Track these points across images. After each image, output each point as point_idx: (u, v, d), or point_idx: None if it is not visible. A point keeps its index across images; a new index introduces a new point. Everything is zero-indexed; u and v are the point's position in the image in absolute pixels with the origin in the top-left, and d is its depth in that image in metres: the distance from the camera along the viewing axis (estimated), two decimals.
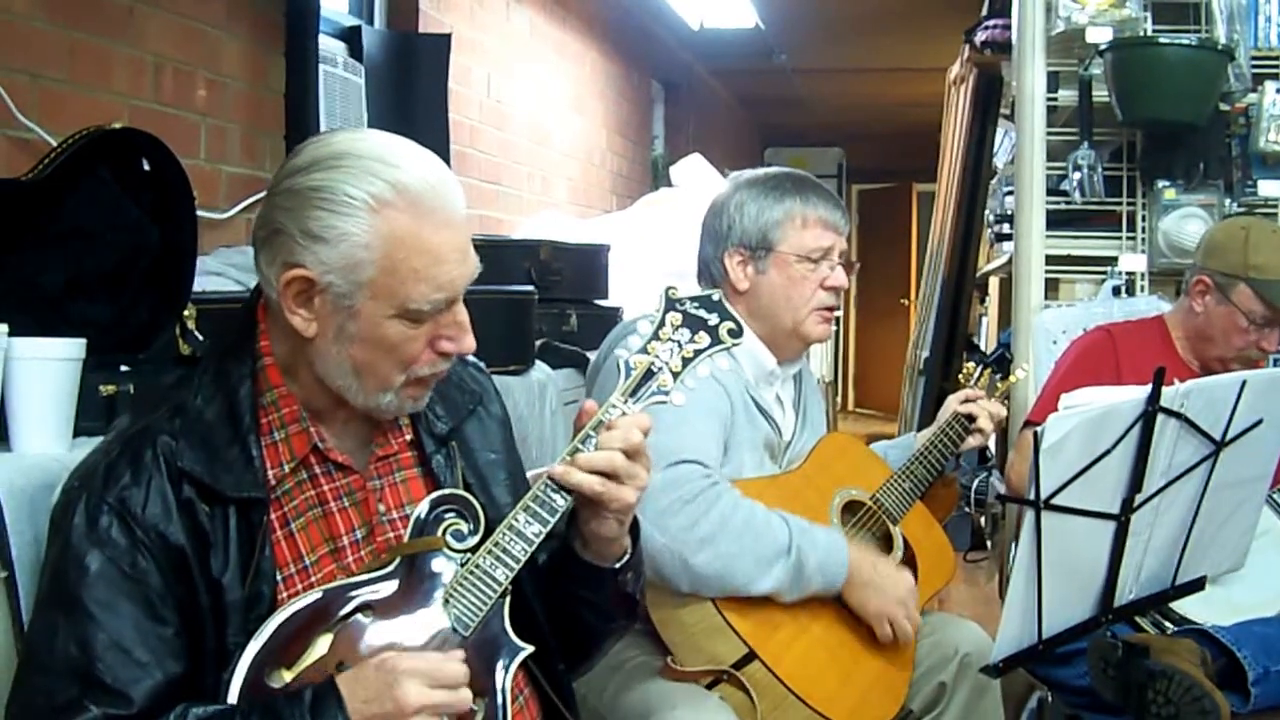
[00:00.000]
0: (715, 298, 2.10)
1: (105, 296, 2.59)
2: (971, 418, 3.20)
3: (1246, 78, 4.44)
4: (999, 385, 3.34)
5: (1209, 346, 3.63)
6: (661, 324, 2.06)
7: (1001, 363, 3.40)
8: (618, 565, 2.12)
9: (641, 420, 2.00)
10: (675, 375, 2.03)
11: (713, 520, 2.60)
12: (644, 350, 2.03)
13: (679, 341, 2.05)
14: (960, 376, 3.38)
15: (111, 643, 1.78)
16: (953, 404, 3.25)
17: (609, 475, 1.96)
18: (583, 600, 2.15)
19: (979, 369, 3.36)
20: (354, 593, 1.89)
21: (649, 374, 2.02)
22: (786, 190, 2.98)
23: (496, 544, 1.92)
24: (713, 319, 2.08)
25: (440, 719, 1.79)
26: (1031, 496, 2.30)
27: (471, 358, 2.28)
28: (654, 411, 2.04)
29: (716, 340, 2.07)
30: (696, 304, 2.08)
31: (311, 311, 1.89)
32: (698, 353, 2.05)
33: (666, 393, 2.02)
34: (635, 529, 2.15)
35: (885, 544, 3.02)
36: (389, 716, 1.75)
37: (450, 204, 1.91)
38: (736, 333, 2.09)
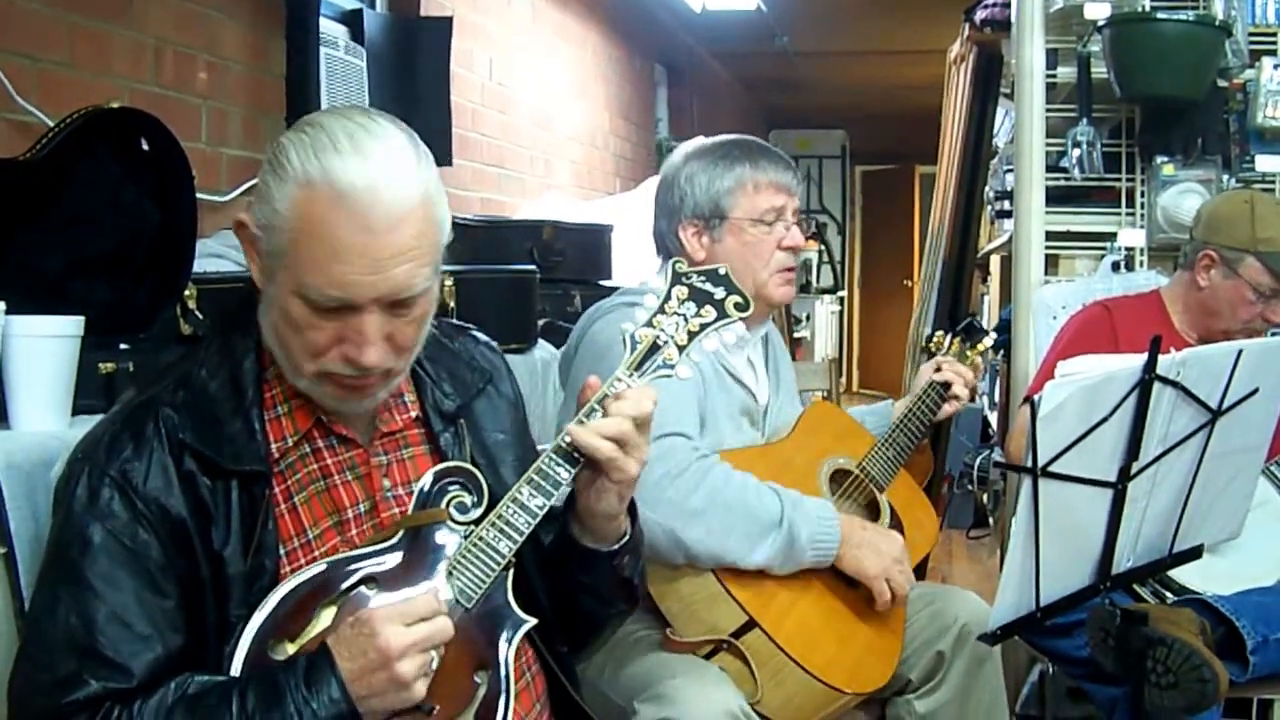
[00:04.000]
0: (722, 271, 2.10)
1: (106, 278, 2.60)
2: (947, 384, 3.22)
3: (1244, 54, 4.43)
4: (968, 353, 3.37)
5: (1214, 320, 3.63)
6: (667, 298, 2.05)
7: (970, 330, 3.43)
8: (615, 547, 2.12)
9: (650, 392, 2.00)
10: (680, 349, 2.03)
11: (703, 494, 2.60)
12: (649, 324, 2.03)
13: (684, 315, 2.04)
14: (931, 345, 3.42)
15: (112, 615, 1.78)
16: (926, 372, 3.27)
17: (618, 443, 1.96)
18: (582, 585, 2.16)
19: (948, 337, 3.41)
20: (358, 565, 1.89)
21: (654, 348, 2.02)
22: (735, 157, 2.97)
23: (500, 516, 1.93)
24: (719, 293, 2.08)
25: (428, 654, 1.80)
26: (1029, 464, 2.31)
27: (484, 336, 2.30)
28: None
29: (723, 314, 2.07)
30: (703, 278, 2.08)
31: (263, 266, 1.91)
32: (704, 326, 2.05)
33: (671, 366, 2.02)
34: (633, 510, 2.15)
35: (872, 511, 3.03)
36: (377, 666, 1.75)
37: (379, 213, 1.81)
38: (743, 306, 2.09)
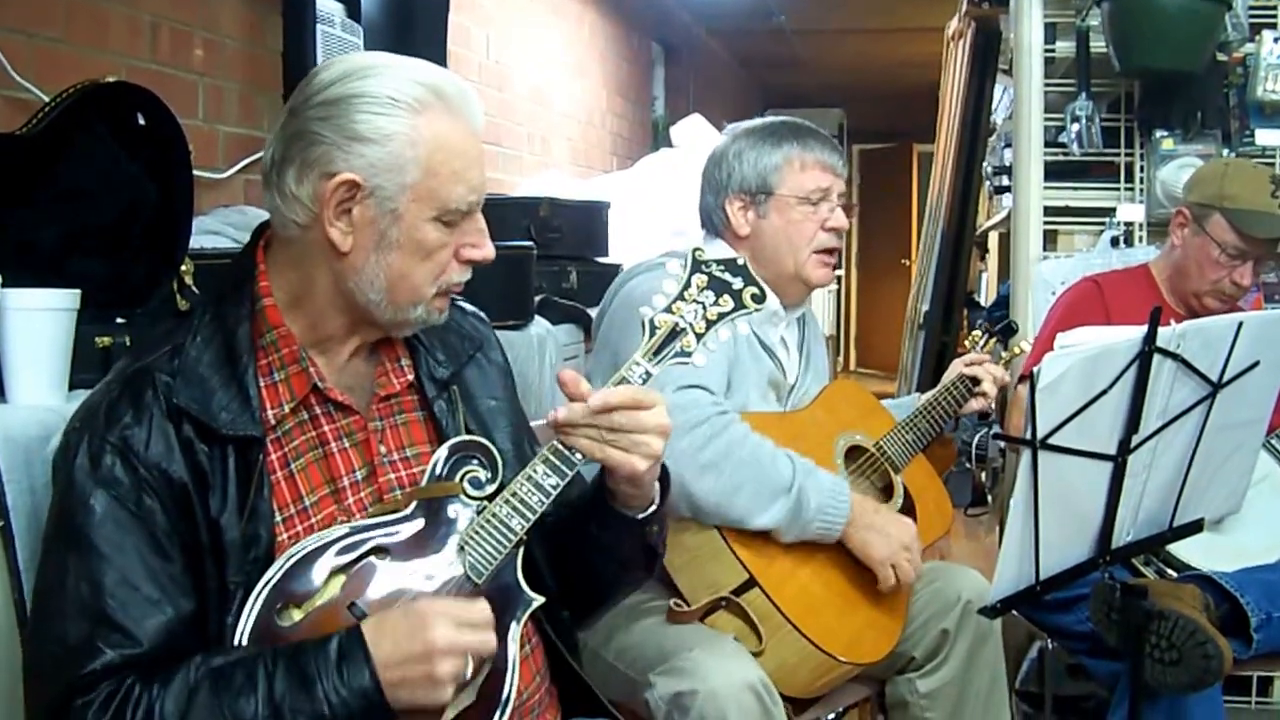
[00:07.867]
0: (740, 262, 2.10)
1: (103, 253, 2.59)
2: (976, 380, 3.27)
3: (1244, 27, 4.42)
4: (1002, 355, 3.44)
5: (1186, 280, 3.64)
6: (687, 285, 2.05)
7: (1007, 332, 3.49)
8: (640, 516, 2.12)
9: (650, 397, 1.98)
10: (699, 337, 2.03)
11: (718, 448, 2.62)
12: (669, 310, 2.03)
13: (703, 304, 2.05)
14: (967, 342, 3.49)
15: (121, 580, 1.78)
16: (958, 366, 3.33)
17: (609, 431, 1.94)
18: (603, 546, 2.14)
19: (985, 337, 3.48)
20: (368, 535, 1.89)
21: (673, 334, 2.02)
22: (784, 136, 3.06)
23: (514, 494, 1.92)
24: (737, 283, 2.08)
25: (465, 661, 1.79)
26: (1028, 436, 2.31)
27: (472, 307, 2.29)
28: None
29: (740, 305, 2.07)
30: (722, 267, 2.08)
31: (349, 224, 1.90)
32: (721, 316, 2.05)
33: (689, 354, 2.02)
34: (666, 481, 2.15)
35: (886, 492, 3.06)
36: (416, 658, 1.74)
37: (475, 109, 1.97)
38: (760, 298, 2.10)
